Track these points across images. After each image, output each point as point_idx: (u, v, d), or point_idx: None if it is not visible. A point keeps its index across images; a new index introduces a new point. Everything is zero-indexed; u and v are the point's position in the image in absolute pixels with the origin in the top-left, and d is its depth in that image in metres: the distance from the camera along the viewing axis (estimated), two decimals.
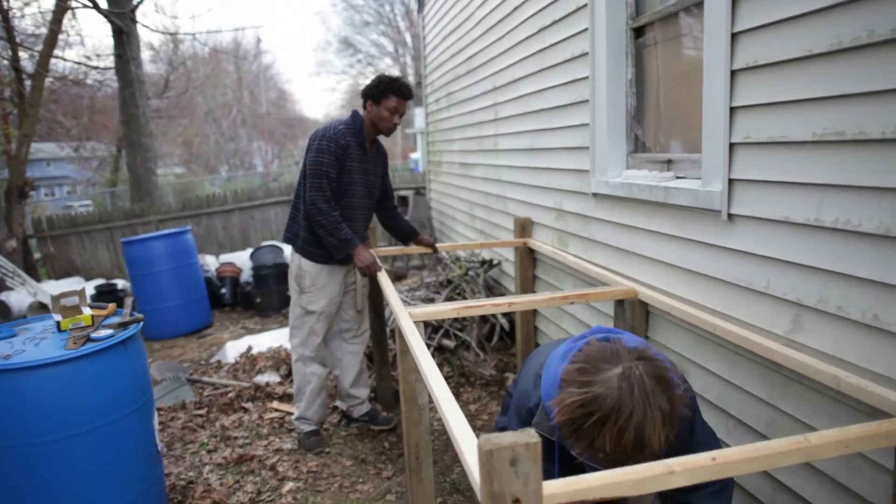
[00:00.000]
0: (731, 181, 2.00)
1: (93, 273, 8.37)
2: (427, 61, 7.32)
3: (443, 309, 2.41)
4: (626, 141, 2.87)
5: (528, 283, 3.93)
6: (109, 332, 2.49)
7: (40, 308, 6.92)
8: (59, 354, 2.31)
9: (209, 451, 3.42)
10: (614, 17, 2.78)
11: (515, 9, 3.91)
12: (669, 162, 2.54)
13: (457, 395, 3.92)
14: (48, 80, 13.76)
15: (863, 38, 1.48)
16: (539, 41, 3.57)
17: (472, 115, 5.28)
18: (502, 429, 1.92)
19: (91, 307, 2.79)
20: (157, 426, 2.73)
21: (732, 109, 1.97)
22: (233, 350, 4.96)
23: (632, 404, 1.24)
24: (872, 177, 1.49)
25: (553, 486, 1.10)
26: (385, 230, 3.74)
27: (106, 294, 6.69)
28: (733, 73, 1.94)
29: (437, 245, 3.72)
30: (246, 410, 3.88)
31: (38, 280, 8.25)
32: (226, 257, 7.54)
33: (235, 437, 3.55)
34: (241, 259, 7.29)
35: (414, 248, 3.73)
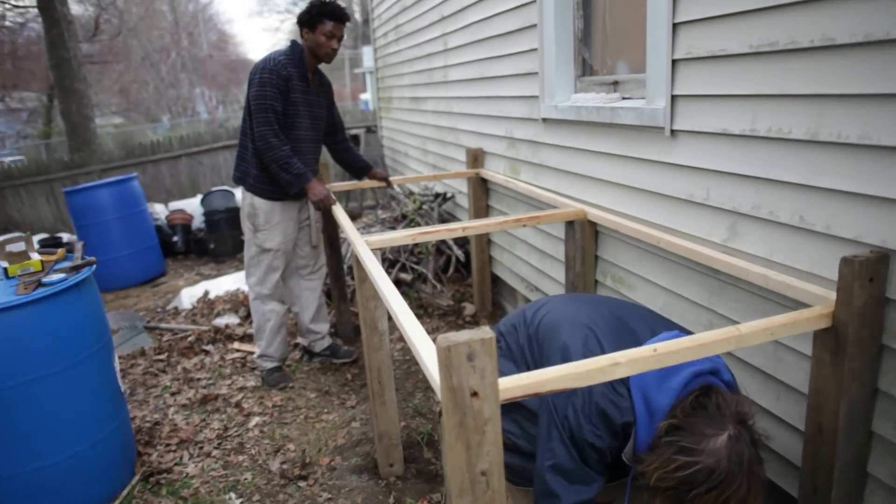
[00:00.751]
0: (673, 97, 2.06)
1: (34, 228, 8.06)
2: None
3: (399, 236, 2.45)
4: (574, 64, 2.89)
5: (481, 213, 3.99)
6: (62, 276, 2.45)
7: None
8: (10, 300, 2.26)
9: (173, 394, 3.44)
10: None
11: None
12: (616, 83, 2.58)
13: None
14: None
15: None
16: None
17: (422, 48, 5.19)
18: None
19: (39, 253, 2.73)
20: (118, 368, 2.73)
21: (675, 25, 2.00)
22: (189, 296, 4.92)
23: (739, 478, 1.21)
24: (802, 84, 1.56)
25: (507, 381, 1.17)
26: (337, 164, 3.71)
27: (50, 247, 6.48)
28: None
29: (391, 179, 3.73)
30: (207, 353, 3.89)
31: None
32: (175, 204, 7.35)
33: (198, 379, 3.58)
34: (192, 206, 7.13)
35: (367, 182, 3.73)
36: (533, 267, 3.42)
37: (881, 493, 1.49)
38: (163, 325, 4.42)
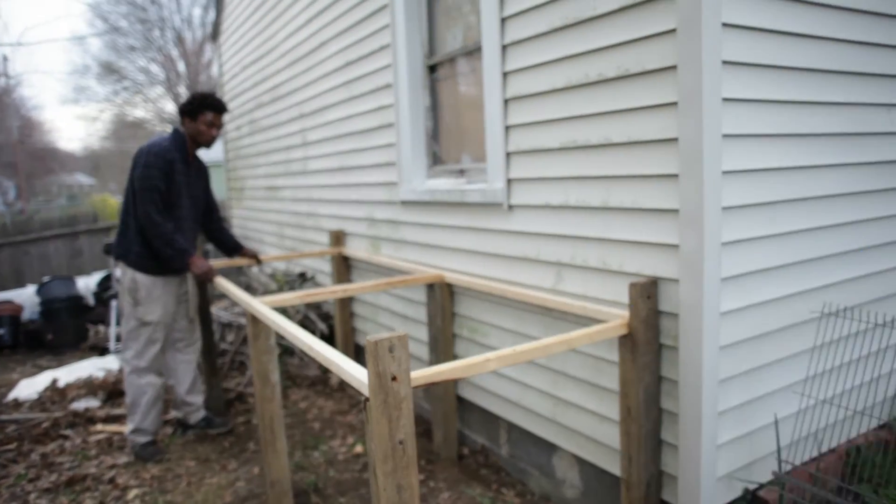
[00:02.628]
0: (509, 180, 2.71)
1: None
2: (226, 89, 7.46)
3: (289, 297, 2.79)
4: (427, 156, 3.51)
5: None
6: None
7: None
8: None
9: (31, 480, 3.30)
10: (413, 55, 3.42)
11: (323, 44, 4.42)
12: (462, 171, 3.22)
13: (285, 397, 4.22)
14: None
15: (582, 79, 2.25)
16: (347, 73, 4.10)
17: (280, 141, 5.63)
18: None
19: None
20: None
21: (507, 128, 2.68)
22: (30, 387, 4.65)
23: None
24: (594, 169, 2.25)
25: (416, 373, 1.60)
26: (211, 242, 3.93)
27: None
28: (506, 101, 2.66)
29: (271, 255, 4.03)
30: (67, 437, 3.76)
31: None
32: (2, 295, 6.80)
33: (60, 463, 3.46)
34: (22, 296, 6.66)
35: (240, 260, 4.00)
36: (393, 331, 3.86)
37: (670, 451, 2.10)
38: (3, 416, 4.15)
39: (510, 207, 2.72)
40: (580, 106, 2.29)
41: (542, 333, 2.64)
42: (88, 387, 4.38)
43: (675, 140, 1.94)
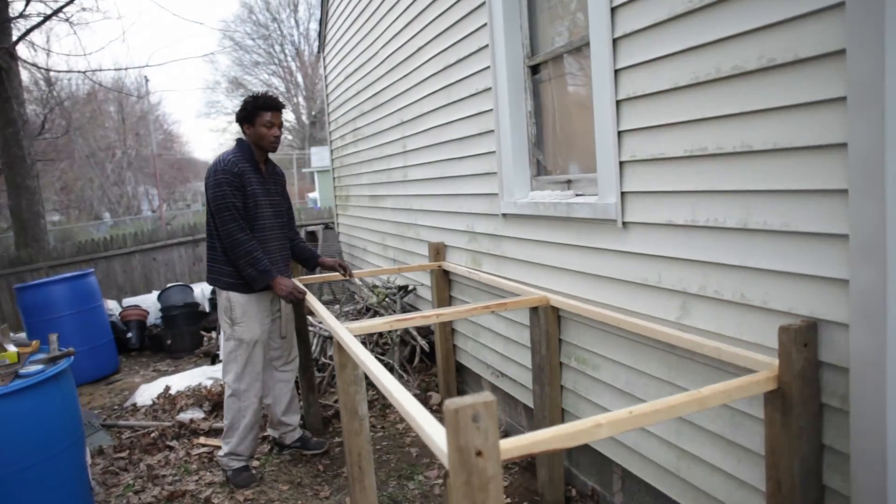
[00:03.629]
0: (623, 194, 2.34)
1: None
2: (330, 100, 7.52)
3: (377, 323, 2.59)
4: (530, 165, 3.20)
5: (444, 304, 4.16)
6: (39, 367, 2.47)
7: None
8: None
9: (136, 492, 3.35)
10: (512, 56, 3.12)
11: (420, 48, 4.22)
12: (569, 182, 2.89)
13: (384, 417, 4.06)
14: None
15: (713, 74, 1.85)
16: (445, 77, 3.88)
17: (380, 149, 5.52)
18: None
19: (15, 344, 2.73)
20: (89, 462, 2.69)
21: (620, 133, 2.32)
22: (147, 392, 4.83)
23: None
24: (729, 182, 1.85)
25: (507, 443, 1.31)
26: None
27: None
28: (618, 102, 2.30)
29: (354, 272, 3.88)
30: (172, 448, 3.81)
31: None
32: (130, 300, 7.25)
33: (164, 476, 3.50)
34: (147, 301, 7.05)
35: (329, 276, 3.88)
36: (498, 353, 3.58)
37: None
38: (121, 422, 4.30)
39: (625, 225, 2.36)
40: (710, 106, 1.90)
41: (662, 372, 2.25)
42: (196, 397, 4.45)
43: (841, 146, 1.52)
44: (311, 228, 7.93)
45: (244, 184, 3.20)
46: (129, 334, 6.52)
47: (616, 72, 2.29)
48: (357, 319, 4.77)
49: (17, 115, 7.87)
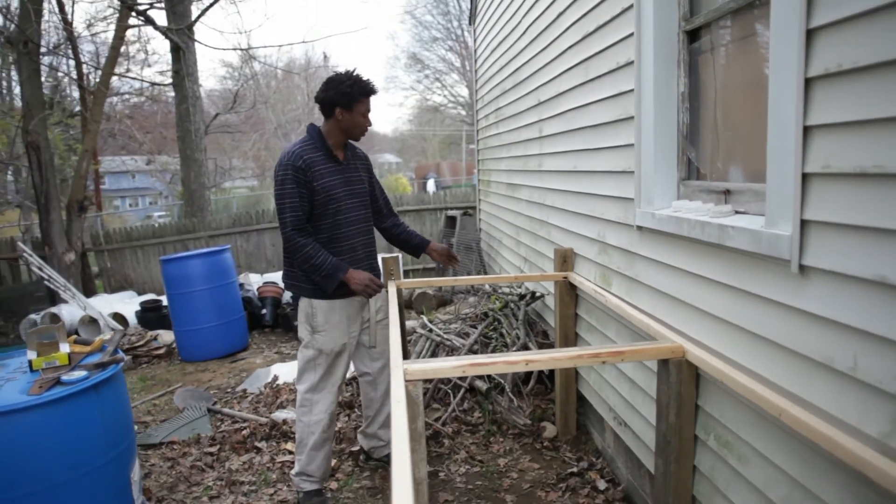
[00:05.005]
0: (803, 222, 1.54)
1: (145, 287, 8.43)
2: (478, 75, 6.99)
3: (444, 366, 2.03)
4: (678, 165, 2.41)
5: (568, 323, 3.49)
6: (83, 374, 2.25)
7: (91, 322, 6.98)
8: (17, 401, 2.07)
9: (211, 498, 3.15)
10: (664, 18, 2.34)
11: (560, 14, 3.51)
12: (728, 193, 2.08)
13: (486, 446, 3.51)
14: (123, 98, 14.33)
15: None
16: (583, 49, 3.15)
17: (518, 133, 4.89)
18: None
19: (76, 342, 2.57)
20: (136, 478, 2.47)
21: (807, 129, 1.51)
22: (258, 380, 4.73)
23: None
24: None
25: None
26: (390, 243, 3.35)
27: (150, 311, 6.66)
28: (808, 81, 1.48)
29: (475, 277, 3.36)
30: (258, 451, 3.60)
31: (94, 293, 8.39)
32: (269, 276, 7.39)
33: (241, 483, 3.27)
34: None
35: (448, 280, 3.39)
36: (621, 397, 2.86)
37: None
38: (225, 409, 4.21)
39: (802, 270, 1.55)
40: None
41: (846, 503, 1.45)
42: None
43: None
44: (451, 213, 7.52)
45: (312, 177, 2.75)
46: (264, 311, 6.59)
47: (808, 32, 1.47)
48: (473, 327, 4.25)
49: (190, 93, 8.35)
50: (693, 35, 2.31)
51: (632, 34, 2.50)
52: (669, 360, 2.11)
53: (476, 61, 7.06)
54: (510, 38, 5.01)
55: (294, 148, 2.79)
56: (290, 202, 2.72)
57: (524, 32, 4.47)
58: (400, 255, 6.98)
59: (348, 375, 3.62)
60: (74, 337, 2.56)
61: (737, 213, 1.99)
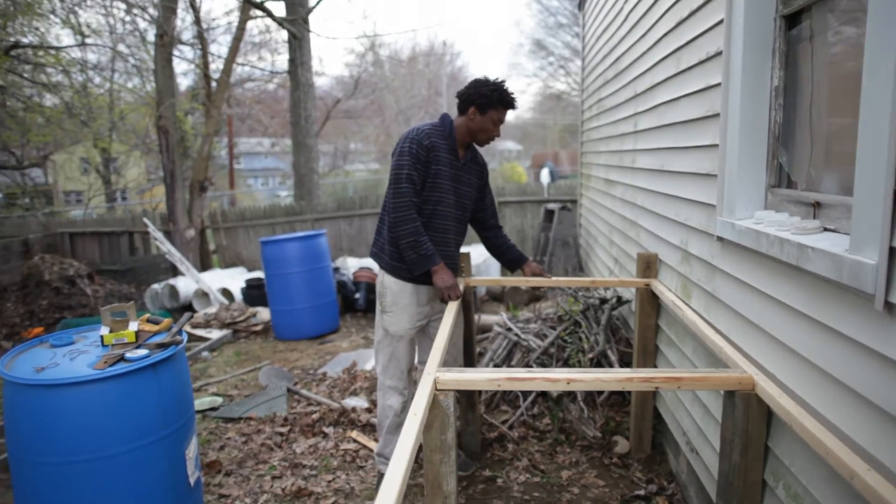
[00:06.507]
0: (892, 250, 1.27)
1: (255, 265, 8.91)
2: (585, 63, 6.68)
3: (479, 378, 1.91)
4: (766, 171, 2.12)
5: (648, 334, 3.23)
6: (144, 352, 2.36)
7: (203, 295, 7.49)
8: (81, 374, 2.20)
9: (274, 478, 3.24)
10: (758, 1, 2.05)
11: (656, 0, 3.22)
12: (817, 205, 1.78)
13: (551, 455, 3.35)
14: (257, 83, 15.20)
15: None
16: (676, 38, 2.87)
17: (616, 126, 4.60)
18: None
19: (148, 320, 2.71)
20: (192, 455, 2.56)
21: None
22: (339, 364, 4.83)
23: None
24: None
25: None
26: (488, 251, 3.32)
27: (254, 288, 7.01)
28: None
29: (551, 278, 3.23)
30: (325, 436, 3.66)
31: (210, 268, 8.99)
32: (366, 261, 7.55)
33: (304, 466, 3.34)
34: None
35: (517, 279, 3.26)
36: (694, 422, 2.60)
37: None
38: (303, 391, 4.33)
39: (889, 307, 1.28)
40: None
41: None
42: (371, 381, 4.27)
43: None
44: (550, 207, 7.29)
45: (430, 160, 2.78)
46: (357, 295, 6.74)
47: None
48: (553, 328, 4.07)
49: (304, 81, 8.66)
50: (792, 20, 2.00)
51: (721, 21, 2.22)
52: (736, 391, 1.86)
53: (584, 49, 6.75)
54: (613, 24, 4.71)
55: (424, 126, 2.83)
56: (407, 173, 2.74)
57: (625, 19, 4.17)
58: (471, 252, 6.87)
59: None
60: (147, 315, 2.70)
61: (825, 230, 1.70)
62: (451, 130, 2.85)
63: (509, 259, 3.22)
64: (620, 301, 4.05)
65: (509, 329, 4.27)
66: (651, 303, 3.21)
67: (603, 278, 4.47)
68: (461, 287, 2.91)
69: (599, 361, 3.75)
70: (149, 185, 18.79)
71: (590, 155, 6.28)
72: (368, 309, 6.84)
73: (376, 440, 3.54)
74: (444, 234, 2.90)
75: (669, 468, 3.18)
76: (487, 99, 2.76)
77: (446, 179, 2.84)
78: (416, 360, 3.12)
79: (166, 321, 2.70)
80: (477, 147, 3.01)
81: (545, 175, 8.88)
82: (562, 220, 6.72)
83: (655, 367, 3.28)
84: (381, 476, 3.06)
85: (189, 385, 2.60)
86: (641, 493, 2.96)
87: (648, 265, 3.23)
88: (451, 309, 2.68)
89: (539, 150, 35.92)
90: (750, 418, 1.85)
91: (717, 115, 2.29)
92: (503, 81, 2.81)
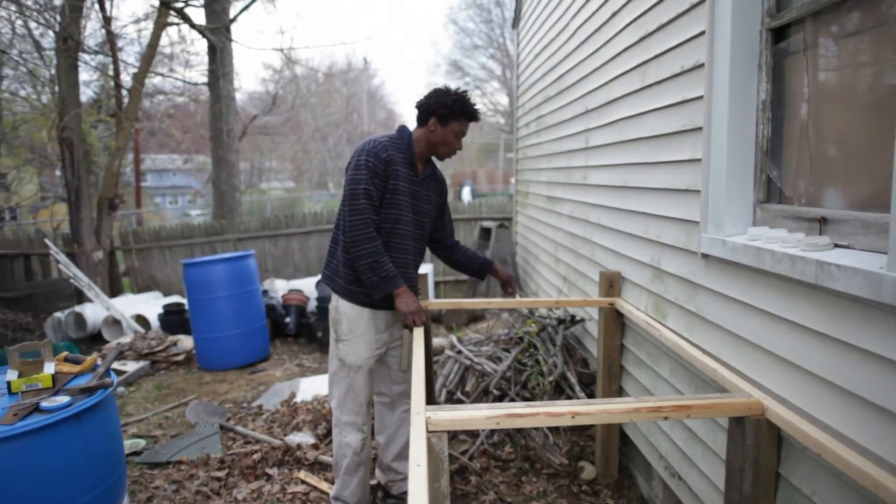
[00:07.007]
0: None
1: (171, 289, 8.30)
2: (520, 81, 6.67)
3: (476, 416, 1.72)
4: (755, 186, 2.06)
5: (613, 354, 3.14)
6: (65, 400, 2.00)
7: (114, 323, 6.85)
8: None
9: None
10: (743, 14, 2.00)
11: (615, 13, 3.18)
12: (823, 221, 1.72)
13: (517, 486, 3.18)
14: (168, 97, 14.39)
15: None
16: (641, 52, 2.82)
17: (562, 143, 4.56)
18: None
19: (66, 359, 2.33)
20: None
21: None
22: (274, 396, 4.48)
23: None
24: None
25: None
26: (452, 268, 3.12)
27: (172, 314, 6.48)
28: None
29: (511, 300, 3.09)
30: (269, 478, 3.32)
31: (121, 292, 8.29)
32: (295, 283, 7.18)
33: None
34: (311, 286, 6.89)
35: (479, 302, 3.09)
36: (676, 446, 2.50)
37: None
38: (238, 428, 3.96)
39: None
40: None
41: None
42: (314, 413, 3.96)
43: None
44: (486, 225, 7.20)
45: (389, 175, 2.55)
46: (288, 319, 6.37)
47: None
48: (507, 350, 3.92)
49: (225, 93, 8.22)
50: (779, 33, 1.96)
51: (702, 33, 2.17)
52: (745, 417, 1.76)
53: (518, 67, 6.75)
54: (556, 41, 4.69)
55: (381, 139, 2.61)
56: (364, 188, 2.50)
57: (572, 35, 4.15)
58: (430, 272, 6.70)
59: None
60: (65, 354, 2.32)
61: (836, 246, 1.63)
62: (409, 143, 2.65)
63: (477, 269, 3.02)
64: (574, 321, 3.96)
65: (459, 352, 4.09)
66: (615, 322, 3.13)
67: (553, 298, 4.39)
68: None
69: (559, 384, 3.63)
70: (44, 203, 17.37)
71: (527, 172, 6.24)
72: (299, 334, 6.48)
73: (328, 480, 3.26)
74: (403, 255, 2.69)
75: (640, 493, 3.08)
76: (449, 110, 2.58)
77: (405, 196, 2.63)
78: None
79: (90, 359, 2.33)
80: (436, 162, 2.83)
81: (466, 193, 8.85)
82: (499, 238, 6.65)
83: (621, 388, 3.19)
84: None
85: (119, 436, 2.26)
86: None
87: (611, 283, 3.15)
88: (419, 336, 2.47)
89: (457, 169, 36.30)
90: (760, 445, 1.75)
91: (697, 129, 2.23)
92: (465, 91, 2.64)
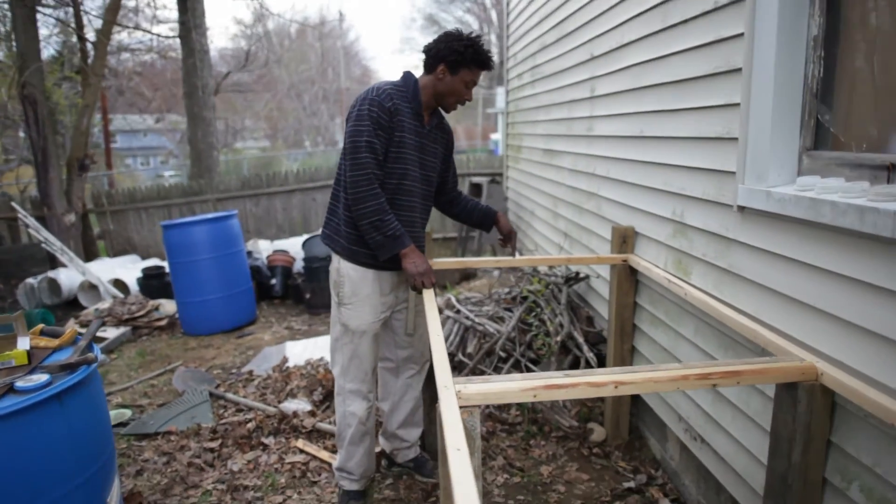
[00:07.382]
0: None
1: (150, 251, 8.01)
2: (510, 30, 6.37)
3: (510, 388, 1.55)
4: (802, 131, 1.89)
5: (625, 313, 3.01)
6: (44, 378, 1.80)
7: (91, 288, 6.58)
8: None
9: None
10: None
11: None
12: (892, 168, 1.56)
13: (525, 450, 3.07)
14: (134, 54, 13.73)
15: None
16: None
17: (562, 93, 4.34)
18: None
19: (42, 333, 2.11)
20: (115, 501, 2.03)
21: None
22: (265, 361, 4.31)
23: None
24: None
25: None
26: (455, 220, 2.92)
27: (152, 277, 6.22)
28: None
29: (517, 258, 2.91)
30: (265, 448, 3.17)
31: (96, 256, 7.98)
32: (280, 244, 6.93)
33: (246, 487, 2.86)
34: (296, 246, 6.66)
35: (485, 260, 2.91)
36: (699, 408, 2.39)
37: None
38: (229, 394, 3.79)
39: None
40: None
41: None
42: (309, 379, 3.79)
43: None
44: (476, 180, 7.00)
45: (394, 126, 2.31)
46: (273, 281, 6.16)
47: None
48: (509, 310, 3.77)
49: (198, 46, 7.77)
50: None
51: None
52: (798, 383, 1.62)
53: (508, 15, 6.44)
54: None
55: (384, 86, 2.35)
56: (367, 141, 2.26)
57: None
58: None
59: None
60: (41, 327, 2.10)
61: None
62: (415, 91, 2.41)
63: (479, 219, 2.80)
64: (578, 278, 3.82)
65: (458, 311, 3.95)
66: (629, 280, 2.98)
67: (556, 255, 4.24)
68: None
69: (565, 344, 3.51)
70: (9, 165, 16.68)
71: (520, 125, 6.02)
72: (286, 296, 6.28)
73: (328, 449, 3.12)
74: (409, 213, 2.48)
75: (652, 454, 2.99)
76: (461, 56, 2.33)
77: (411, 149, 2.40)
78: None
79: (70, 332, 2.12)
80: (443, 112, 2.60)
81: None
82: (491, 193, 6.45)
83: (634, 348, 3.07)
84: (342, 493, 2.65)
85: (107, 414, 2.07)
86: (631, 485, 2.75)
87: (625, 239, 2.99)
88: (430, 298, 2.29)
89: None
90: (814, 412, 1.62)
91: (734, 70, 2.04)
92: (479, 36, 2.39)
